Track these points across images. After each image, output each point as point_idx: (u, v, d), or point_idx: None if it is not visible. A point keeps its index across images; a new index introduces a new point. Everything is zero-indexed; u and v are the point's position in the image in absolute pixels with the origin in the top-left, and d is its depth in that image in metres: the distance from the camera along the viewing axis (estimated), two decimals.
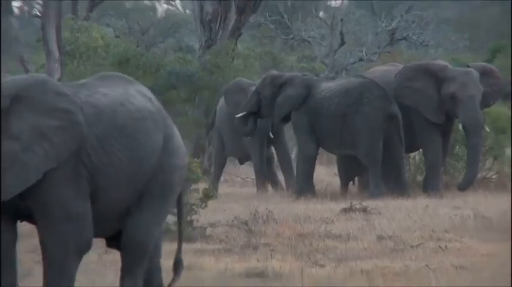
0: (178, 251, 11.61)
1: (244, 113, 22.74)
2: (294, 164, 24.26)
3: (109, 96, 9.71)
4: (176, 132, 10.68)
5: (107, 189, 10.33)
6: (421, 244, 15.63)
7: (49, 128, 9.35)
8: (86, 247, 10.12)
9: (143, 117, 10.13)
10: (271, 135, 23.99)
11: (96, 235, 10.50)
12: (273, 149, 24.46)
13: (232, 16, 32.42)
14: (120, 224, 10.49)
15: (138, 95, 10.22)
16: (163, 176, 10.93)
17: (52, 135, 9.50)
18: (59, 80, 26.92)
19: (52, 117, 9.24)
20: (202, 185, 18.06)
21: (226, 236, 16.86)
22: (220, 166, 24.44)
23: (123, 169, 10.17)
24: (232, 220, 17.62)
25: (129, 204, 10.51)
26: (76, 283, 10.94)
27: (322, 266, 14.30)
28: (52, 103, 9.25)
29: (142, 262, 10.72)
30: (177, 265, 11.57)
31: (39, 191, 10.19)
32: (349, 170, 22.95)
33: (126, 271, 10.87)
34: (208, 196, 17.34)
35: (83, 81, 10.58)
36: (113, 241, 10.88)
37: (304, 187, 21.93)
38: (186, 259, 13.69)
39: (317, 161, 23.42)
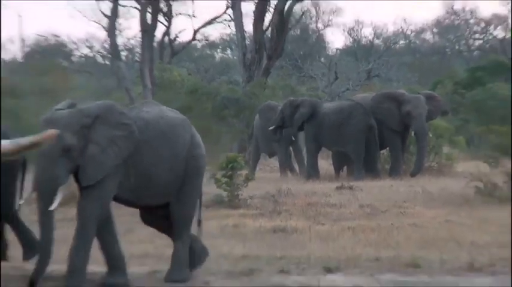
0: (199, 214, 10.90)
1: (274, 127, 22.70)
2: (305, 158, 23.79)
3: (151, 113, 10.04)
4: (196, 133, 10.69)
5: (153, 175, 10.12)
6: (388, 210, 15.21)
7: (116, 137, 9.61)
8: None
9: (176, 124, 10.21)
10: (293, 139, 23.83)
11: (148, 204, 10.30)
12: (290, 148, 24.13)
13: (264, 61, 32.10)
14: (166, 198, 10.23)
15: (169, 111, 10.37)
16: (194, 161, 10.63)
17: (119, 141, 9.68)
18: None
19: (118, 129, 9.59)
20: (244, 172, 17.52)
21: (260, 205, 16.13)
22: (256, 159, 24.36)
23: (165, 160, 10.09)
24: (264, 194, 17.03)
25: (172, 185, 10.18)
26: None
27: (323, 224, 13.94)
28: (117, 120, 9.60)
29: (189, 227, 10.41)
30: (199, 223, 10.79)
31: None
32: (340, 161, 22.77)
33: (177, 235, 10.39)
34: (248, 178, 16.89)
35: (133, 105, 11.10)
36: (151, 217, 10.58)
37: (312, 172, 21.84)
38: (234, 220, 14.49)
39: (319, 156, 23.20)
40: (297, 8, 35.45)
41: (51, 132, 8.11)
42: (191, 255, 10.18)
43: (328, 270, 10.44)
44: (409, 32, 46.22)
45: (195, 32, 39.76)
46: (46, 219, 9.49)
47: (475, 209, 14.75)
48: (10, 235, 11.43)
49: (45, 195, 9.01)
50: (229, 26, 37.06)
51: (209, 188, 15.20)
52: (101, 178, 9.66)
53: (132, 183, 10.01)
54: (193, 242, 10.33)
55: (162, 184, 10.23)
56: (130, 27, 37.66)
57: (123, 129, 9.71)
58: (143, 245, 11.84)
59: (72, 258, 9.05)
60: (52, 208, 9.31)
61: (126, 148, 10.01)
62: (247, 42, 33.63)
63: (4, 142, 4.82)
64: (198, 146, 10.69)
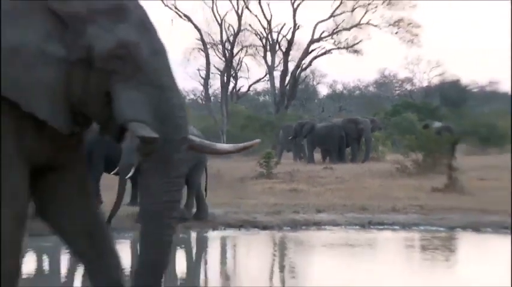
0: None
1: (291, 137, 22.64)
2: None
3: None
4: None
5: None
6: (350, 179, 14.28)
7: None
8: None
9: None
10: (302, 143, 23.76)
11: None
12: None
13: (285, 102, 32.38)
14: None
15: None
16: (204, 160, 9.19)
17: None
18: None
19: None
20: (275, 159, 16.31)
21: (283, 177, 14.84)
22: (281, 153, 23.63)
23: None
24: (284, 171, 15.56)
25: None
26: None
27: (316, 187, 13.31)
28: None
29: None
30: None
31: None
32: (325, 154, 22.65)
33: None
34: (276, 163, 16.11)
35: None
36: None
37: (310, 160, 21.37)
38: (269, 185, 13.58)
39: (314, 151, 22.93)
40: (303, 73, 35.77)
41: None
42: None
43: (318, 211, 10.48)
44: (361, 86, 46.66)
45: (249, 86, 39.87)
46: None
47: (396, 179, 14.30)
48: None
49: None
50: (267, 82, 37.01)
51: (257, 168, 15.09)
52: None
53: None
54: None
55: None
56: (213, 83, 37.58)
57: None
58: None
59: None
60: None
61: None
62: (276, 91, 34.01)
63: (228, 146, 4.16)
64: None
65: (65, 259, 7.77)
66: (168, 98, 3.14)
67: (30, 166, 3.28)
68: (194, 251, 8.90)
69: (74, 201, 3.44)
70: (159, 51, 3.22)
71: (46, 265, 7.66)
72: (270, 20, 32.76)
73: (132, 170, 7.84)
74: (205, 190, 9.72)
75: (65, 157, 3.38)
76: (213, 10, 32.06)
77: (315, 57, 32.95)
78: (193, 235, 9.34)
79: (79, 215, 3.45)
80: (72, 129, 3.22)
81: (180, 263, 7.92)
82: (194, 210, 9.69)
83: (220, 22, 32.35)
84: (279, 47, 33.42)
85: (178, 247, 8.59)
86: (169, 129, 3.14)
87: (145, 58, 3.12)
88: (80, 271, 6.93)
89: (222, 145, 3.89)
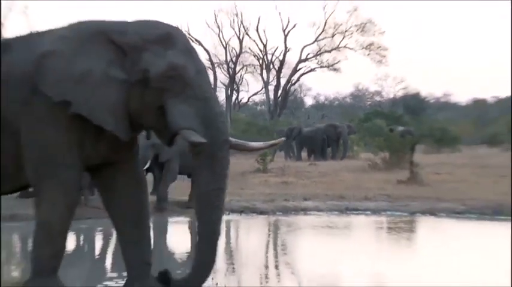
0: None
1: (284, 139, 22.22)
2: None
3: None
4: None
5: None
6: (331, 173, 14.08)
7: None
8: None
9: None
10: (292, 144, 23.49)
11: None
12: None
13: (278, 111, 32.46)
14: None
15: None
16: None
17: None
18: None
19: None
20: (269, 157, 16.07)
21: (276, 171, 14.43)
22: (274, 153, 23.63)
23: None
24: (277, 166, 15.19)
25: None
26: None
27: (303, 179, 13.12)
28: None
29: None
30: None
31: None
32: (311, 153, 22.57)
33: None
34: (270, 160, 15.77)
35: None
36: None
37: (298, 157, 21.12)
38: (264, 178, 13.33)
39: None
40: (293, 87, 35.53)
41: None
42: None
43: (305, 199, 10.37)
44: (339, 97, 46.38)
45: (249, 98, 39.58)
46: None
47: (367, 173, 14.17)
48: None
49: None
50: (263, 95, 36.74)
51: (255, 164, 14.81)
52: None
53: None
54: None
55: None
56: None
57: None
58: None
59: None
60: None
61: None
62: (270, 102, 33.86)
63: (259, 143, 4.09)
64: None
65: (98, 239, 7.77)
66: (211, 108, 3.19)
67: (88, 166, 3.36)
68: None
69: (124, 191, 3.45)
70: (201, 70, 3.28)
71: (83, 243, 7.68)
72: (266, 44, 33.33)
73: (148, 163, 7.76)
74: None
75: (120, 155, 3.42)
76: (219, 36, 32.93)
77: (302, 74, 33.48)
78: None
79: (126, 202, 3.46)
80: (129, 135, 3.29)
81: (193, 240, 7.89)
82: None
83: (225, 46, 33.10)
84: (273, 66, 33.76)
85: (191, 229, 8.52)
86: (214, 133, 3.18)
87: (191, 77, 3.17)
88: (111, 248, 7.03)
89: (254, 143, 3.91)
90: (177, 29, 3.36)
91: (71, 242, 7.07)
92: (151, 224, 3.69)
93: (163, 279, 3.28)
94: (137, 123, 3.27)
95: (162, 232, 8.37)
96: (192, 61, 3.25)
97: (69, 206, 3.25)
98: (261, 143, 3.94)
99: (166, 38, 3.21)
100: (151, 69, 3.13)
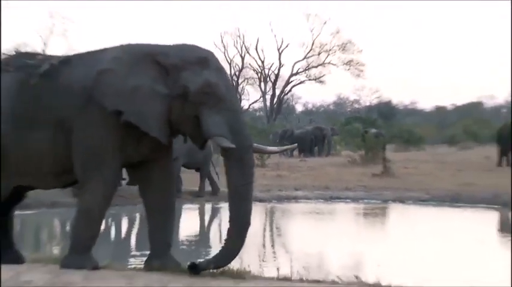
0: None
1: (278, 140, 21.80)
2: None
3: None
4: None
5: None
6: (318, 168, 13.71)
7: None
8: None
9: None
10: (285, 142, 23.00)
11: None
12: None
13: (274, 115, 32.09)
14: None
15: None
16: None
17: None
18: None
19: None
20: (266, 155, 14.56)
21: (272, 166, 13.83)
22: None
23: None
24: (273, 162, 14.41)
25: None
26: None
27: (295, 173, 12.68)
28: None
29: None
30: None
31: None
32: (301, 150, 22.16)
33: None
34: (267, 157, 14.40)
35: None
36: None
37: (290, 155, 20.34)
38: (262, 172, 12.58)
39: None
40: (286, 96, 35.25)
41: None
42: None
43: (296, 189, 10.31)
44: (324, 105, 45.94)
45: (249, 105, 38.37)
46: None
47: (348, 168, 13.77)
48: None
49: None
50: (261, 103, 36.31)
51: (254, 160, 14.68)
52: None
53: None
54: None
55: None
56: None
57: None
58: None
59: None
60: None
61: None
62: (267, 109, 33.46)
63: (274, 147, 4.10)
64: None
65: (124, 222, 7.74)
66: (238, 118, 3.27)
67: (129, 163, 3.42)
68: (209, 217, 8.81)
69: (158, 183, 3.46)
70: (230, 87, 3.38)
71: (110, 226, 7.54)
72: (263, 60, 33.05)
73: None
74: (217, 174, 9.48)
75: (158, 154, 3.46)
76: (224, 54, 32.59)
77: (294, 86, 33.63)
78: (208, 206, 9.20)
79: (159, 193, 3.47)
80: (169, 140, 3.36)
81: (201, 225, 7.91)
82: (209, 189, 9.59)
83: (229, 62, 32.83)
84: (269, 79, 33.59)
85: (199, 215, 8.52)
86: (241, 139, 3.23)
87: (223, 93, 3.24)
88: (134, 231, 7.04)
89: (271, 147, 3.97)
90: (210, 52, 3.43)
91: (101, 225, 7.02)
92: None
93: (193, 269, 3.24)
94: (175, 130, 3.34)
95: (177, 216, 8.42)
96: (223, 79, 3.33)
97: (107, 197, 3.30)
98: (276, 147, 4.06)
99: (202, 60, 3.29)
100: (190, 85, 3.20)
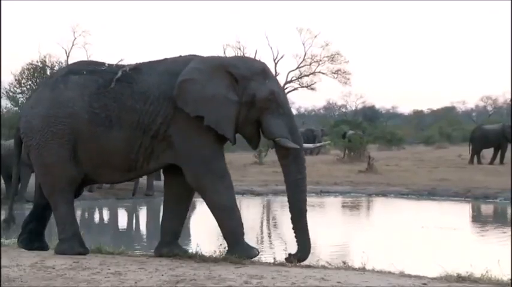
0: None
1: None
2: None
3: None
4: None
5: None
6: (311, 165, 13.26)
7: None
8: None
9: None
10: None
11: None
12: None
13: None
14: None
15: None
16: None
17: None
18: None
19: None
20: (264, 154, 14.06)
21: (269, 163, 13.00)
22: (267, 150, 22.69)
23: None
24: (270, 160, 13.01)
25: None
26: None
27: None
28: None
29: None
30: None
31: None
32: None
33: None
34: (265, 155, 13.89)
35: None
36: None
37: None
38: (260, 169, 12.55)
39: None
40: None
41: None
42: None
43: None
44: (315, 109, 45.64)
45: None
46: None
47: (336, 165, 13.59)
48: None
49: None
50: None
51: (254, 158, 13.76)
52: None
53: None
54: None
55: None
56: None
57: None
58: None
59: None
60: None
61: None
62: None
63: (309, 145, 4.41)
64: None
65: (142, 215, 7.77)
66: (293, 121, 3.42)
67: None
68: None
69: (181, 178, 3.35)
70: (285, 94, 3.57)
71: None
72: None
73: None
74: None
75: None
76: None
77: (288, 92, 32.85)
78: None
79: (182, 188, 3.42)
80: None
81: (207, 216, 7.90)
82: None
83: None
84: None
85: (205, 207, 8.51)
86: (297, 139, 3.39)
87: (282, 99, 3.40)
88: (151, 222, 6.98)
89: (307, 144, 4.07)
90: (265, 64, 3.61)
91: (121, 216, 7.03)
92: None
93: (288, 259, 3.27)
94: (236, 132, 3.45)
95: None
96: (280, 87, 3.52)
97: (229, 187, 3.33)
98: (311, 144, 4.47)
99: (265, 71, 3.44)
100: (257, 93, 3.31)
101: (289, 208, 3.39)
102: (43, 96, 3.33)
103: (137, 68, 3.38)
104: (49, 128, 3.25)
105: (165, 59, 3.45)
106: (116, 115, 3.25)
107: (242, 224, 3.33)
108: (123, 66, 3.41)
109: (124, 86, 3.29)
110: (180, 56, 3.47)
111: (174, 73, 3.29)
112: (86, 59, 20.80)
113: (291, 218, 3.37)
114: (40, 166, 3.31)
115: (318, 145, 4.18)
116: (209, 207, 3.35)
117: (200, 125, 3.24)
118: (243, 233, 3.33)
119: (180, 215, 3.48)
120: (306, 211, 3.40)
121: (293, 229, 3.37)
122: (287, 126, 3.34)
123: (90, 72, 3.35)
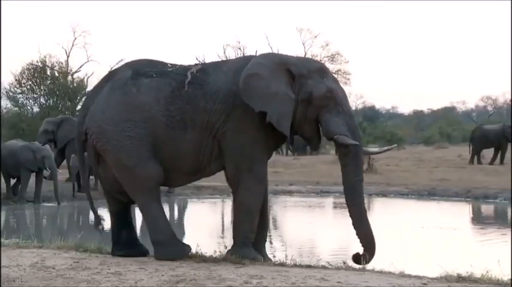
0: None
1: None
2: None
3: None
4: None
5: None
6: (307, 164, 13.51)
7: None
8: None
9: None
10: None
11: None
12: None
13: None
14: None
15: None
16: None
17: None
18: None
19: None
20: None
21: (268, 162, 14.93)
22: None
23: None
24: (270, 160, 15.27)
25: None
26: None
27: (289, 170, 12.67)
28: None
29: None
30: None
31: None
32: (294, 149, 21.67)
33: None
34: None
35: None
36: None
37: (285, 154, 18.91)
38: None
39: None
40: None
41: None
42: None
43: (290, 184, 10.49)
44: None
45: None
46: None
47: (336, 165, 12.10)
48: None
49: None
50: None
51: None
52: None
53: None
54: None
55: None
56: None
57: None
58: None
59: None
60: None
61: None
62: None
63: (375, 149, 4.31)
64: None
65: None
66: (353, 120, 3.36)
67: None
68: (221, 205, 8.82)
69: None
70: (344, 92, 3.45)
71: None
72: None
73: None
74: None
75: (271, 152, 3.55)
76: None
77: None
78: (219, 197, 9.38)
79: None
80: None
81: (214, 211, 7.85)
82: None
83: None
84: None
85: (213, 204, 8.58)
86: (357, 138, 3.30)
87: (340, 97, 3.34)
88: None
89: (373, 149, 4.15)
90: (324, 64, 3.65)
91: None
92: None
93: (356, 260, 3.22)
94: (294, 132, 3.38)
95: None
96: (338, 86, 3.44)
97: (261, 192, 3.29)
98: (377, 149, 4.21)
99: (322, 69, 3.43)
100: (314, 91, 3.29)
101: (349, 211, 3.34)
102: (114, 100, 3.28)
103: (203, 69, 3.40)
104: (125, 133, 3.22)
105: (228, 60, 3.62)
106: (189, 117, 3.26)
107: (256, 231, 3.32)
108: (188, 67, 3.41)
109: (196, 88, 3.30)
110: (260, 54, 3.52)
111: (238, 71, 3.31)
112: (85, 59, 20.17)
113: (352, 223, 3.32)
114: (122, 169, 3.25)
115: (385, 149, 3.86)
116: (236, 203, 3.34)
117: (254, 124, 3.24)
118: (252, 239, 3.31)
119: (264, 218, 3.44)
120: (365, 211, 3.36)
121: (356, 232, 3.31)
122: (346, 125, 3.28)
123: (159, 74, 3.34)
